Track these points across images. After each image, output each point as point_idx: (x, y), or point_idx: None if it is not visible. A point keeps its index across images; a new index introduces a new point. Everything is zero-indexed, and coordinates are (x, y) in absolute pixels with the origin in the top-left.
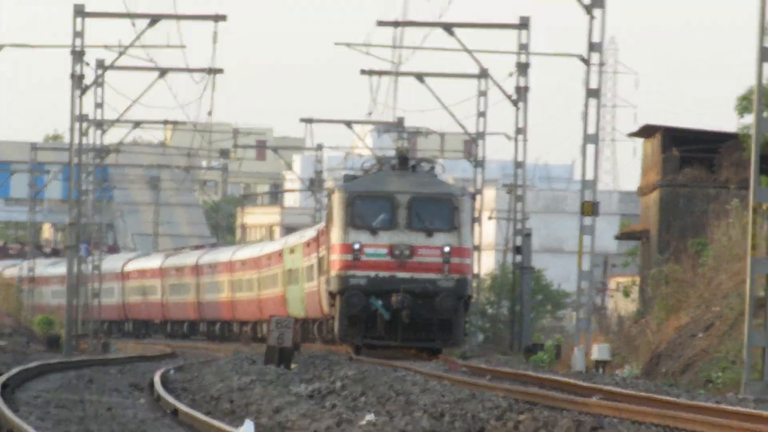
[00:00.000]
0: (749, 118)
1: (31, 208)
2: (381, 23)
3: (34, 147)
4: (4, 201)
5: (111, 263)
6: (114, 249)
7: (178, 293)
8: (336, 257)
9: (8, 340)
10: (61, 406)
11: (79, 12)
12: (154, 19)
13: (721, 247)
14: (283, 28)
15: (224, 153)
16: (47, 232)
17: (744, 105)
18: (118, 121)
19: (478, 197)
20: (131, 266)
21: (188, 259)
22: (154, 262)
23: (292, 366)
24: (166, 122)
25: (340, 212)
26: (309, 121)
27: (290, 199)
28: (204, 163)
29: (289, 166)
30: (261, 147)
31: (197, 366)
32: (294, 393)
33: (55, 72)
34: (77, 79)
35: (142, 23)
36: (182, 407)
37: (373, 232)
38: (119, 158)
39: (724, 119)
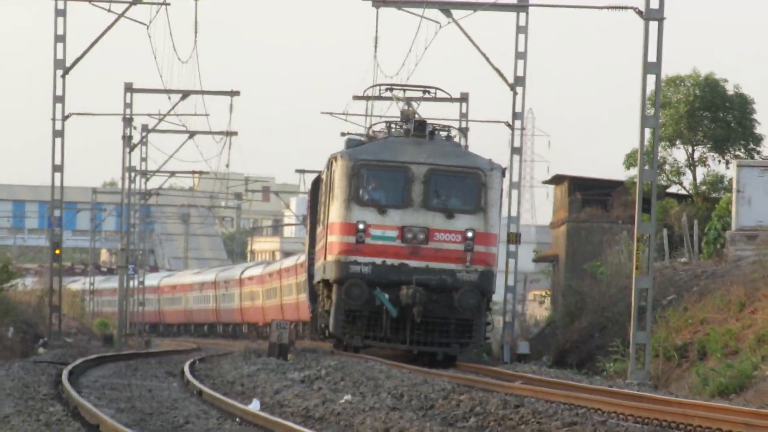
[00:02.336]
0: (634, 171)
1: (91, 237)
2: (356, 97)
3: (94, 191)
4: (71, 232)
5: (151, 280)
6: (154, 269)
7: (201, 302)
8: (335, 239)
9: (74, 338)
10: (113, 388)
11: (129, 88)
12: (185, 94)
13: (613, 267)
14: (283, 100)
15: (238, 196)
16: (104, 255)
17: (630, 161)
18: (157, 171)
19: None
20: (166, 282)
21: (208, 276)
22: (183, 279)
23: (289, 357)
24: (193, 172)
25: (342, 184)
26: (302, 171)
27: (288, 231)
28: (222, 204)
29: (287, 206)
30: (266, 191)
31: (216, 358)
32: (290, 378)
33: (111, 134)
34: (127, 140)
35: (176, 97)
36: (205, 389)
37: (382, 210)
38: (158, 200)
39: (616, 170)
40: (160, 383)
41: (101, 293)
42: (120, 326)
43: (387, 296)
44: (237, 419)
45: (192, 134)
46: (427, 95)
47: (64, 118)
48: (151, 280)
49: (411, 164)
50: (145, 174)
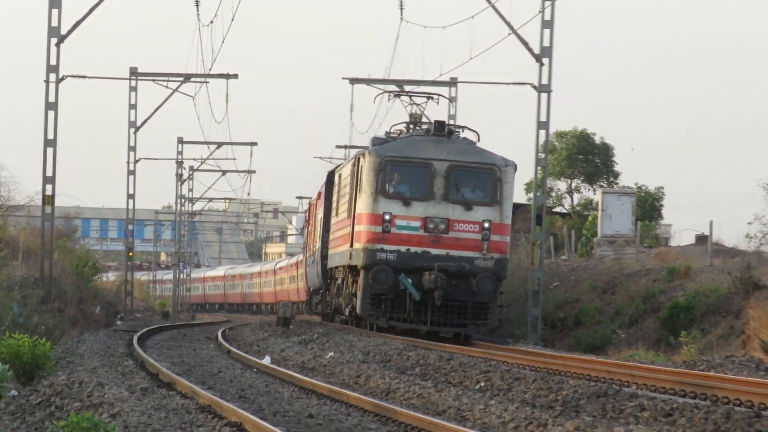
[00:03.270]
0: (530, 195)
1: (154, 244)
2: (338, 146)
3: (156, 212)
4: (140, 240)
5: (196, 273)
6: (198, 266)
7: (232, 289)
8: (363, 228)
9: (141, 314)
10: (168, 348)
11: (180, 140)
12: (219, 145)
13: (517, 263)
14: (288, 146)
15: (255, 215)
16: (163, 256)
17: (528, 189)
18: (200, 198)
19: None
20: (207, 274)
21: (237, 270)
22: (219, 272)
23: (291, 327)
24: (225, 199)
25: (370, 178)
26: (301, 197)
27: (291, 239)
28: (245, 220)
29: (290, 222)
30: (275, 212)
31: (240, 327)
32: (291, 341)
33: (168, 172)
34: (179, 176)
35: (213, 146)
36: (233, 349)
37: (406, 202)
38: (200, 218)
39: (518, 195)
40: (201, 345)
41: (161, 282)
42: (174, 305)
43: (410, 281)
44: (254, 369)
45: (224, 172)
46: (430, 99)
47: (135, 162)
48: (196, 273)
49: (433, 160)
50: (191, 200)
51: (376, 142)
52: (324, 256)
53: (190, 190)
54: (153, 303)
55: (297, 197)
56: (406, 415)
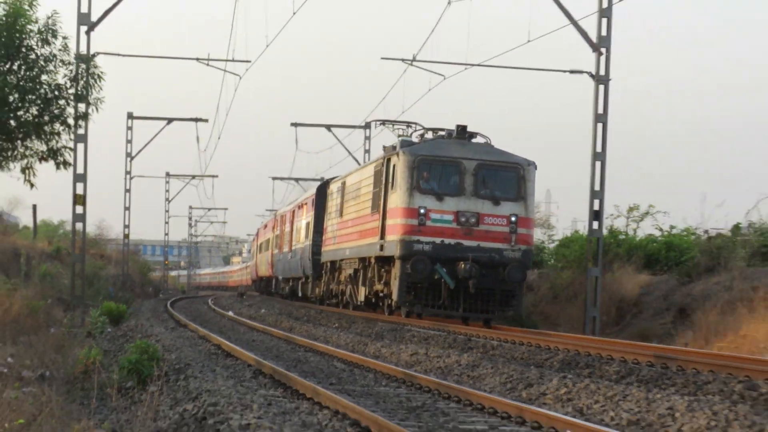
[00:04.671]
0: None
1: (178, 257)
2: (274, 177)
3: (179, 243)
4: (171, 255)
5: (198, 272)
6: (199, 267)
7: (216, 279)
8: (399, 221)
9: (172, 290)
10: (184, 308)
11: (191, 207)
12: (193, 176)
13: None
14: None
15: (227, 243)
16: (182, 263)
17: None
18: (200, 236)
19: None
20: (204, 272)
21: (218, 270)
22: (209, 271)
23: (244, 297)
24: (213, 235)
25: (405, 175)
26: (249, 234)
27: (244, 255)
28: (223, 245)
29: (244, 248)
30: (236, 242)
31: (219, 298)
32: (244, 304)
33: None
34: (189, 227)
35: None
36: (215, 308)
37: (439, 197)
38: (201, 244)
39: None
40: (200, 306)
41: (181, 276)
42: (188, 287)
43: (445, 270)
44: (226, 318)
45: (210, 215)
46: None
47: (168, 218)
48: (198, 271)
49: (462, 159)
50: (196, 238)
51: (405, 144)
52: (315, 252)
53: (195, 234)
54: (178, 286)
55: (247, 234)
56: (300, 340)
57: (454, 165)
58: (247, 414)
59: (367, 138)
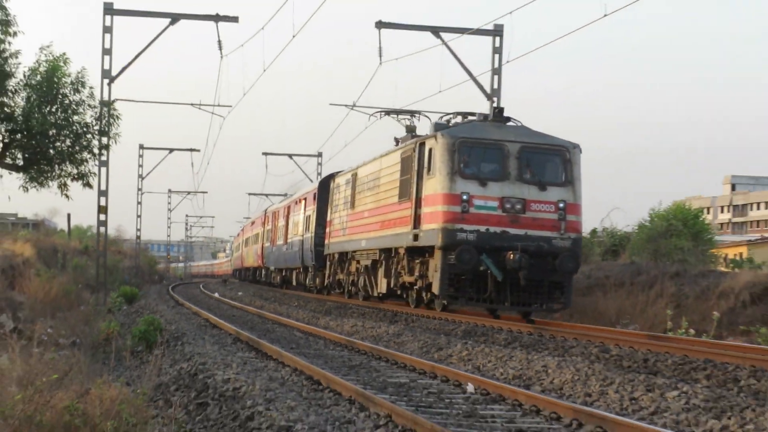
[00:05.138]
0: None
1: (178, 254)
2: (251, 193)
3: (179, 243)
4: (173, 251)
5: (193, 263)
6: (193, 260)
7: (206, 269)
8: (440, 209)
9: (171, 277)
10: (182, 291)
11: (187, 217)
12: (189, 192)
13: None
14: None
15: (215, 243)
16: (181, 258)
17: None
18: (195, 236)
19: None
20: (197, 263)
21: (207, 263)
22: (202, 263)
23: (226, 282)
24: (204, 237)
25: (444, 159)
26: (232, 235)
27: (227, 251)
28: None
29: (226, 246)
30: (222, 243)
31: (208, 283)
32: (226, 288)
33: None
34: (186, 236)
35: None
36: (205, 291)
37: (483, 182)
38: (194, 244)
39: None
40: (193, 290)
41: (179, 267)
42: (185, 275)
43: (491, 261)
44: (213, 299)
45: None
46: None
47: (170, 224)
48: (193, 263)
49: (505, 142)
50: (191, 239)
51: (440, 127)
52: (318, 244)
53: (191, 237)
54: (177, 275)
55: (230, 236)
56: (269, 315)
57: (496, 148)
58: (228, 371)
59: (320, 164)
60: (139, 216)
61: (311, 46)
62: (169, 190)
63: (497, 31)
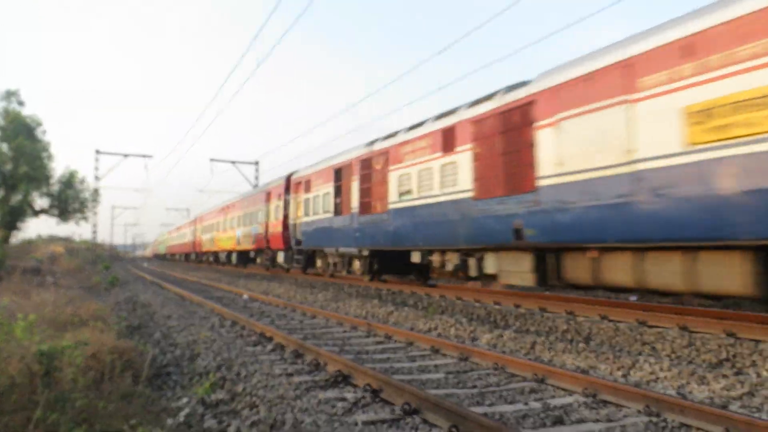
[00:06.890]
0: None
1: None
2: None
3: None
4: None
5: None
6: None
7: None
8: None
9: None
10: (133, 265)
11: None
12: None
13: None
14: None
15: None
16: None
17: None
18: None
19: None
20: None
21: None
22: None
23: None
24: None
25: None
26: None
27: None
28: None
29: None
30: None
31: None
32: (218, 267)
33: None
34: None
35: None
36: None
37: None
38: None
39: None
40: (140, 263)
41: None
42: (133, 258)
43: None
44: (145, 269)
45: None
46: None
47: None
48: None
49: None
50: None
51: None
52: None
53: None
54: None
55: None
56: (218, 285)
57: None
58: (145, 296)
59: (257, 171)
60: (95, 213)
61: None
62: (113, 206)
63: None
